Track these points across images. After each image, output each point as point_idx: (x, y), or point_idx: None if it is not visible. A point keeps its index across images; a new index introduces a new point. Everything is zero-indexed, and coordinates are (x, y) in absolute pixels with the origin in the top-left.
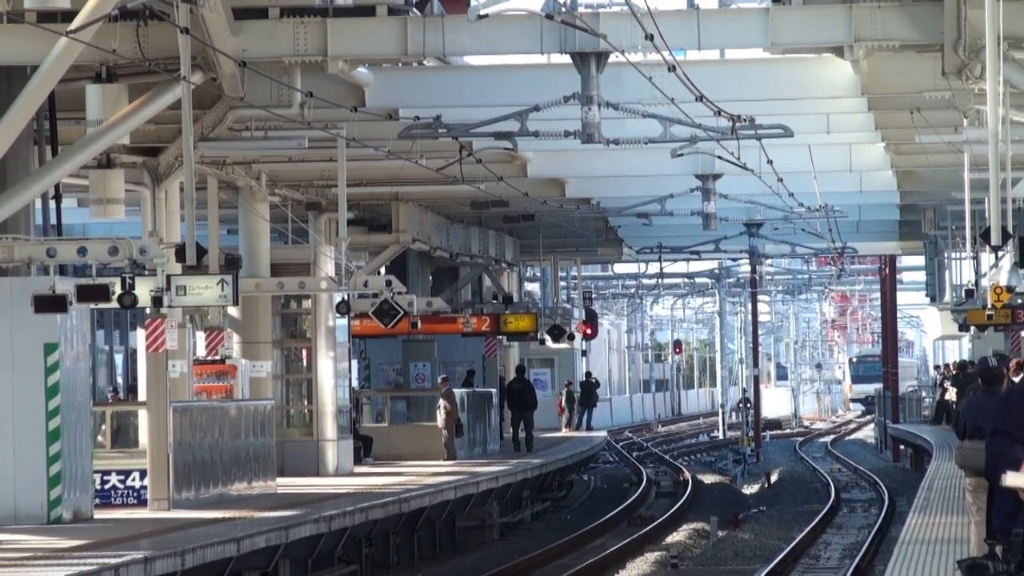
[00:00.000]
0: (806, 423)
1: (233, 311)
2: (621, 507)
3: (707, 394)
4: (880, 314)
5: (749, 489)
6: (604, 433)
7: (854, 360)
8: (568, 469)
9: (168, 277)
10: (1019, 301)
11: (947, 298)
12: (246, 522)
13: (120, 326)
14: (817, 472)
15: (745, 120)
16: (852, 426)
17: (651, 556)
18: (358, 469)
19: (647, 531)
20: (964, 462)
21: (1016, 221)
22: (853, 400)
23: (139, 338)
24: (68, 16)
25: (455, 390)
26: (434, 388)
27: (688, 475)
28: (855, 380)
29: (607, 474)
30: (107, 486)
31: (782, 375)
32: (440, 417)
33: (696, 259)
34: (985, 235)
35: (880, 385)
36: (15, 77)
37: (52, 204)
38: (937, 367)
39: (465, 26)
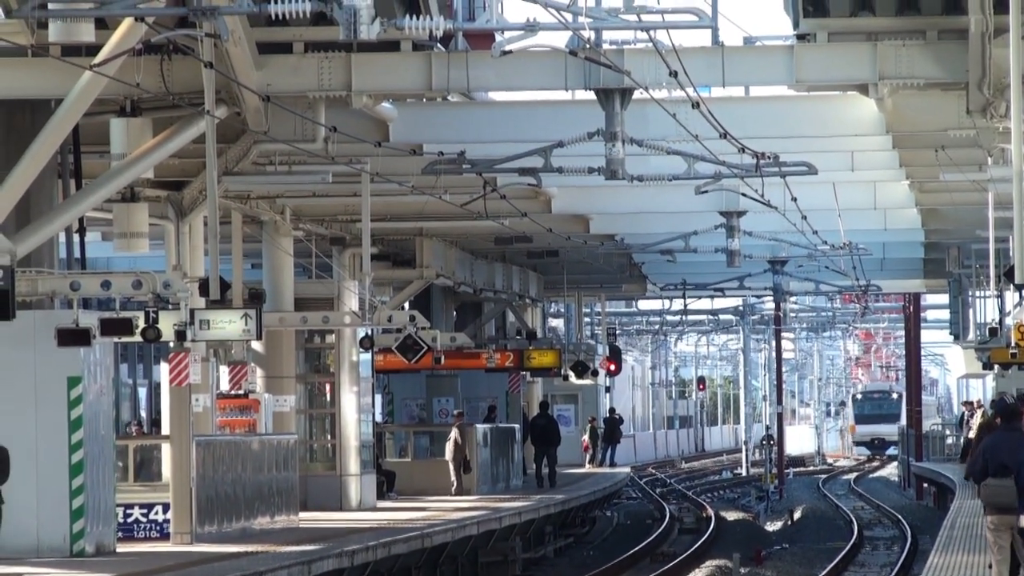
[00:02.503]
0: (829, 460)
1: (257, 345)
2: (644, 543)
3: (731, 431)
4: (904, 352)
5: (772, 526)
6: (627, 469)
7: (858, 397)
8: (591, 505)
9: (192, 311)
10: None
11: (971, 336)
12: (268, 556)
13: (144, 360)
14: (840, 509)
15: (769, 157)
16: (875, 464)
17: None
18: (381, 504)
19: (670, 567)
20: (989, 499)
21: None
22: (857, 443)
23: (163, 372)
24: (92, 50)
25: (478, 425)
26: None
27: (711, 512)
28: (859, 420)
29: (630, 510)
30: (130, 519)
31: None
32: (448, 450)
33: (720, 296)
34: (1009, 274)
35: (888, 426)
36: (40, 110)
37: (76, 238)
38: (967, 403)
39: (489, 62)
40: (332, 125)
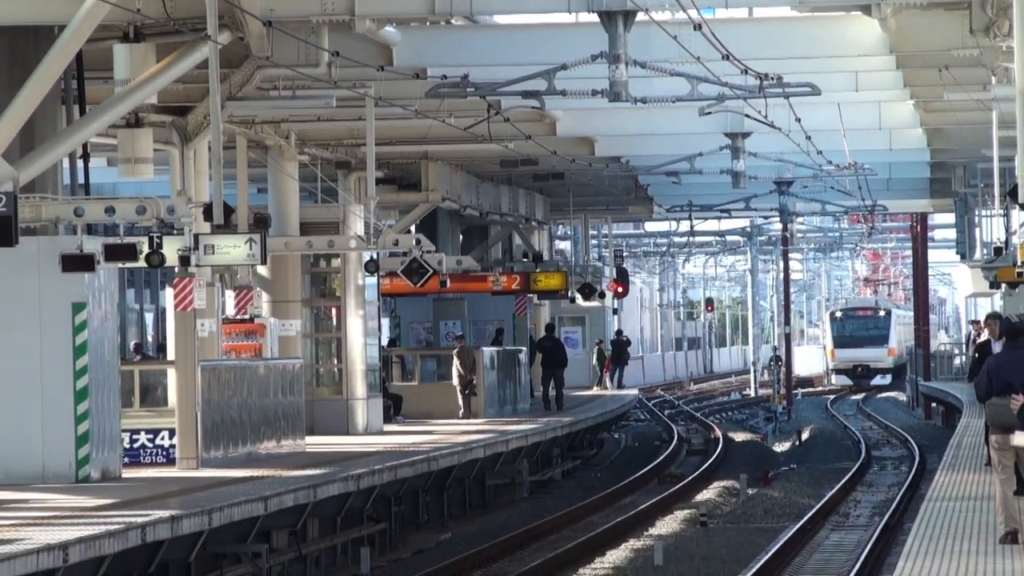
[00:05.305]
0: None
1: (262, 270)
2: (652, 465)
3: (739, 352)
4: (911, 272)
5: (780, 447)
6: (636, 391)
7: (838, 315)
8: (599, 427)
9: (196, 236)
10: None
11: (977, 255)
12: (274, 481)
13: (151, 285)
14: (848, 430)
15: (773, 78)
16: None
17: (681, 514)
18: (387, 428)
19: (677, 489)
20: (993, 419)
21: None
22: (837, 371)
23: (168, 297)
24: None
25: (484, 348)
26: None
27: (719, 433)
28: (839, 343)
29: (638, 432)
30: (136, 445)
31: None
32: (454, 375)
33: (727, 217)
34: (1013, 192)
35: (875, 350)
36: (43, 36)
37: (80, 163)
38: (975, 322)
39: None
40: (335, 50)
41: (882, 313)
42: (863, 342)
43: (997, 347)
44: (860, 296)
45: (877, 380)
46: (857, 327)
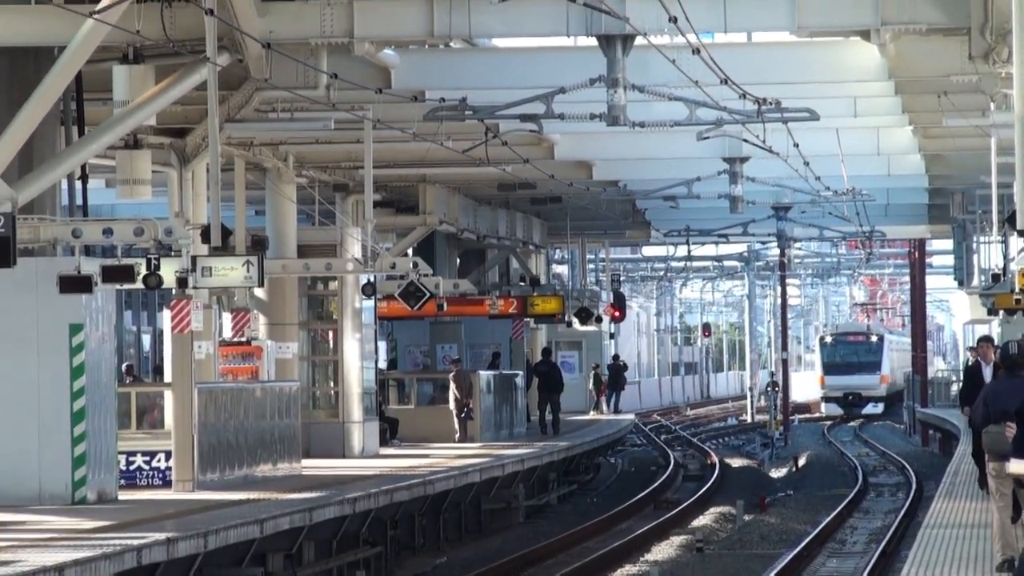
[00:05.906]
0: None
1: (259, 292)
2: (648, 490)
3: (736, 377)
4: (909, 298)
5: (776, 473)
6: (632, 416)
7: (828, 341)
8: (595, 452)
9: (194, 258)
10: None
11: (975, 282)
12: (270, 504)
13: (148, 307)
14: (845, 456)
15: (771, 103)
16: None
17: (677, 540)
18: (384, 451)
19: (673, 515)
20: (991, 446)
21: None
22: (826, 399)
23: (166, 319)
24: None
25: (481, 372)
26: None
27: (716, 458)
28: (828, 370)
29: (634, 457)
30: (132, 467)
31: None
32: (451, 399)
33: (725, 242)
34: (1011, 219)
35: (866, 377)
36: (43, 58)
37: (78, 184)
38: (972, 348)
39: (491, 8)
40: (334, 72)
41: (875, 338)
42: (854, 369)
43: (988, 371)
44: (857, 322)
45: (869, 409)
46: (848, 352)
